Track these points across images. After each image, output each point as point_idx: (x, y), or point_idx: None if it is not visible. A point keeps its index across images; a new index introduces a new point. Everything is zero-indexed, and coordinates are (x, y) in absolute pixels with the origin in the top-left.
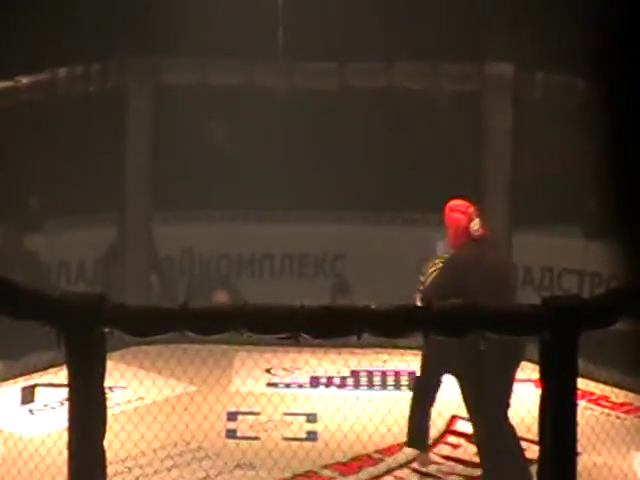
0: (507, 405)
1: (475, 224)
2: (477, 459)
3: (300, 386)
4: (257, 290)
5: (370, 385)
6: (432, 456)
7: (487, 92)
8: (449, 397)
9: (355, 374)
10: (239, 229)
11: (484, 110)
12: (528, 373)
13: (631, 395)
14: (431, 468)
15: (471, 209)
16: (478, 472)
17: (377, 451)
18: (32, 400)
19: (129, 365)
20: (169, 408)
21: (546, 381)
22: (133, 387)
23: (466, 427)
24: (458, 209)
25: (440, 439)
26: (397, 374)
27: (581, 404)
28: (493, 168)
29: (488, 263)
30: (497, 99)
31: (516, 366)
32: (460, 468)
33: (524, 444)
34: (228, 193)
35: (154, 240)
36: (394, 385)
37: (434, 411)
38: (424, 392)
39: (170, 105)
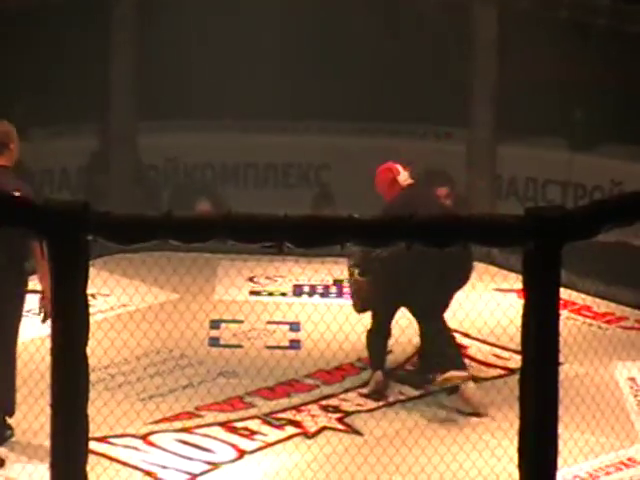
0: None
1: (403, 175)
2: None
3: (283, 294)
4: (241, 199)
5: None
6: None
7: (474, 2)
8: None
9: (338, 283)
10: (223, 138)
11: (470, 20)
12: (511, 283)
13: (613, 305)
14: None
15: (395, 165)
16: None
17: (360, 359)
18: None
19: (112, 273)
20: (152, 316)
21: (529, 291)
22: (116, 294)
23: None
24: (383, 170)
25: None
26: None
27: (564, 314)
28: (479, 79)
29: (422, 201)
30: (484, 9)
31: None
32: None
33: (507, 354)
34: (213, 103)
35: (138, 149)
36: None
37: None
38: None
39: (155, 13)
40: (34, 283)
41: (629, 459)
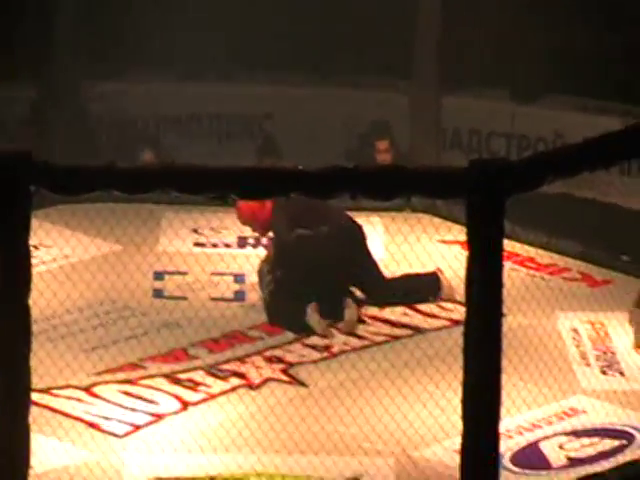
0: None
1: None
2: (404, 320)
3: (227, 246)
4: (184, 150)
5: None
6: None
7: None
8: None
9: None
10: (167, 88)
11: None
12: (455, 235)
13: (556, 256)
14: (359, 329)
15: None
16: (404, 332)
17: None
18: None
19: (55, 224)
20: (95, 267)
21: (473, 243)
22: (59, 245)
23: None
24: (245, 204)
25: None
26: None
27: (507, 265)
28: (423, 30)
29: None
30: None
31: None
32: (386, 329)
33: (451, 305)
34: (156, 51)
35: (81, 98)
36: None
37: None
38: None
39: None
40: None
41: (571, 409)
